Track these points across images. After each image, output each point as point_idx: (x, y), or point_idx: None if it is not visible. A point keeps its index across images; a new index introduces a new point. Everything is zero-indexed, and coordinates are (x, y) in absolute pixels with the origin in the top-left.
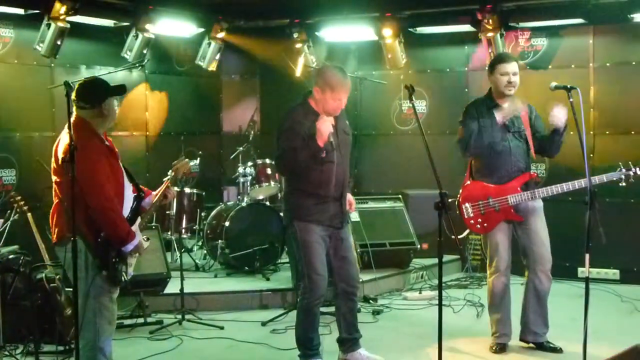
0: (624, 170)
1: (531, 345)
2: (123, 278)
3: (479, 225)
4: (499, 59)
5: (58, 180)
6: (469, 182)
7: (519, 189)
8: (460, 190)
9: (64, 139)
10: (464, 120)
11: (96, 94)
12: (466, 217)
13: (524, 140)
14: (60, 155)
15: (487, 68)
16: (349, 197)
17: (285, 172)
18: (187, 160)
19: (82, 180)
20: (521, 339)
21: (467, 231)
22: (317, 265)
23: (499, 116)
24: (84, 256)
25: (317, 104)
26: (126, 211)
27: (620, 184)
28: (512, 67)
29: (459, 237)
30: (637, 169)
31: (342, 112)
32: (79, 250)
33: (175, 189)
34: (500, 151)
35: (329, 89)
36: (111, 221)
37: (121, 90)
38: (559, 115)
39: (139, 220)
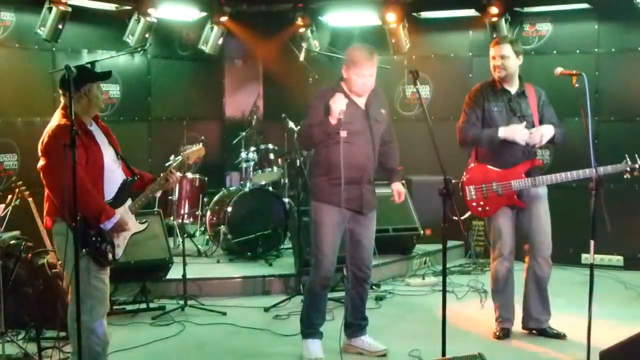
0: (629, 162)
1: (534, 332)
2: (109, 258)
3: (480, 208)
4: (493, 42)
5: (41, 164)
6: (473, 165)
7: (523, 174)
8: (465, 172)
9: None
10: (467, 109)
11: (75, 80)
12: (468, 199)
13: (530, 125)
14: (39, 143)
15: None
16: (398, 187)
17: (303, 147)
18: (201, 147)
19: (54, 163)
20: (524, 328)
21: (469, 213)
22: (324, 246)
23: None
24: (71, 239)
25: (346, 84)
26: (110, 193)
27: (625, 177)
28: (496, 50)
29: (461, 218)
30: None
31: (380, 97)
32: (63, 233)
33: (178, 174)
34: None
35: (352, 65)
36: (81, 200)
37: (102, 75)
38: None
39: (128, 202)
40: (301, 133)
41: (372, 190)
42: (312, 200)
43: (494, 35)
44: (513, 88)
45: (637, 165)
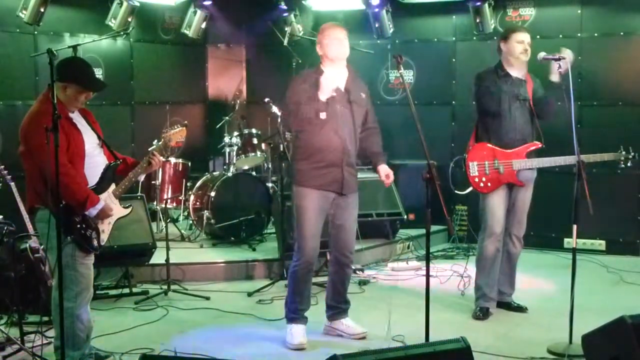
0: (624, 152)
1: (515, 311)
2: (94, 245)
3: (482, 184)
4: (514, 29)
5: (21, 149)
6: (476, 144)
7: (524, 155)
8: (468, 150)
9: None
10: (481, 84)
11: (62, 71)
12: (471, 174)
13: (528, 108)
14: (20, 129)
15: (500, 37)
16: (386, 168)
17: (290, 125)
18: (183, 129)
19: (34, 148)
20: None
21: (470, 189)
22: (305, 230)
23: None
24: (54, 226)
25: (323, 62)
26: (93, 178)
27: (620, 165)
28: (525, 36)
29: (463, 192)
30: (637, 154)
31: (359, 81)
32: (46, 220)
33: (161, 158)
34: (506, 118)
35: (322, 35)
36: (64, 186)
37: (89, 84)
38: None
39: (112, 187)
40: (290, 112)
41: (353, 173)
42: (294, 185)
43: (478, 20)
44: (515, 73)
45: (630, 156)
